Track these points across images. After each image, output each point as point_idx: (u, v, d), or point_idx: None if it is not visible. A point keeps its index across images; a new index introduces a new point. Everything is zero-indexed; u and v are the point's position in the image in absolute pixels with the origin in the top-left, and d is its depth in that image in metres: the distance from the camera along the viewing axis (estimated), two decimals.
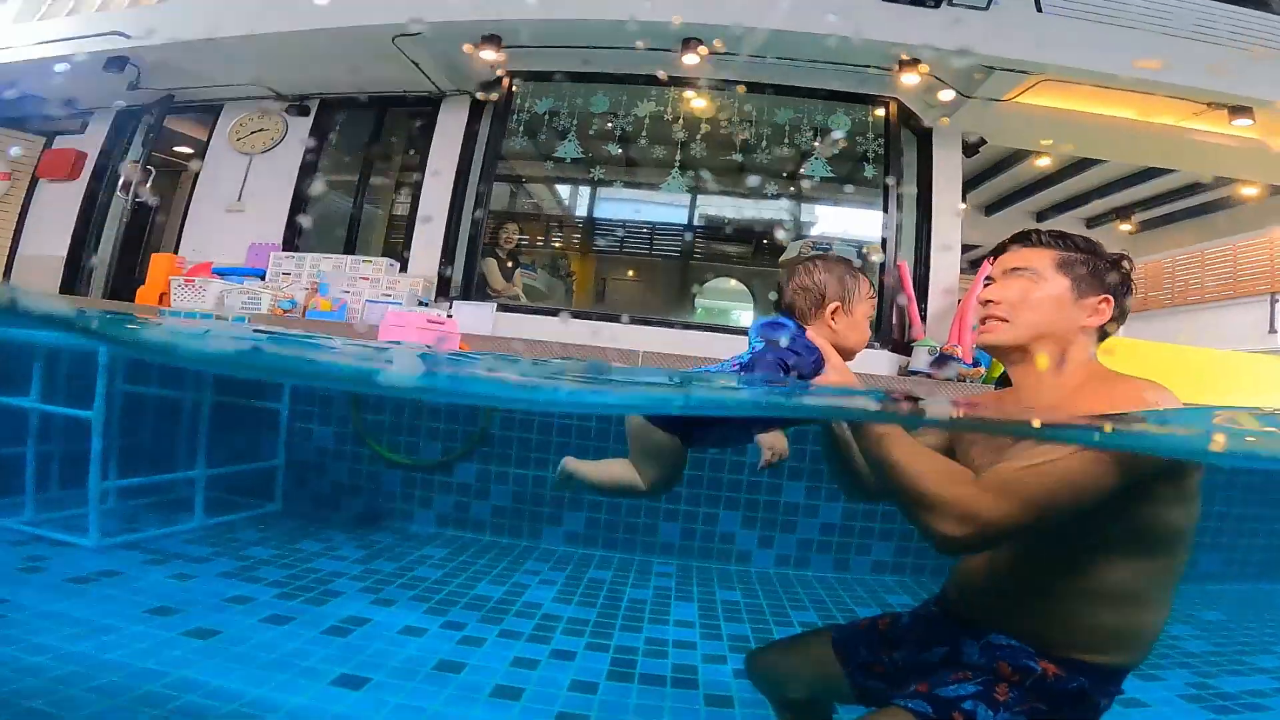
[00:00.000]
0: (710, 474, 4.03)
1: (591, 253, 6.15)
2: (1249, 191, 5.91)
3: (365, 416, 4.07)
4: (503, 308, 4.45)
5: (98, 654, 2.19)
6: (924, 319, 4.53)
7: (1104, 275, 1.27)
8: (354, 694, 2.17)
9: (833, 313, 1.32)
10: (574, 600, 3.27)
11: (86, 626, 2.38)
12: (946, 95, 4.39)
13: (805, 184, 4.72)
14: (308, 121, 5.10)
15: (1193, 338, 6.70)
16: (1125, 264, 1.30)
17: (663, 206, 5.76)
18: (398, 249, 4.87)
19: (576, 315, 5.09)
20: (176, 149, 5.61)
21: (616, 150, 4.85)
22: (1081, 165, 6.01)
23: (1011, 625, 1.24)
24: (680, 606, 3.33)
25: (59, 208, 5.13)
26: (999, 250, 1.37)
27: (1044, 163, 6.01)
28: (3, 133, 5.26)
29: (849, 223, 5.12)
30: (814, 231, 5.13)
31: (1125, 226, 7.30)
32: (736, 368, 1.29)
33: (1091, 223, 7.54)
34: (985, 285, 1.35)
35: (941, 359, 4.18)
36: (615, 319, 4.81)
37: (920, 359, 4.20)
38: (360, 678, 2.27)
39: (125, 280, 4.99)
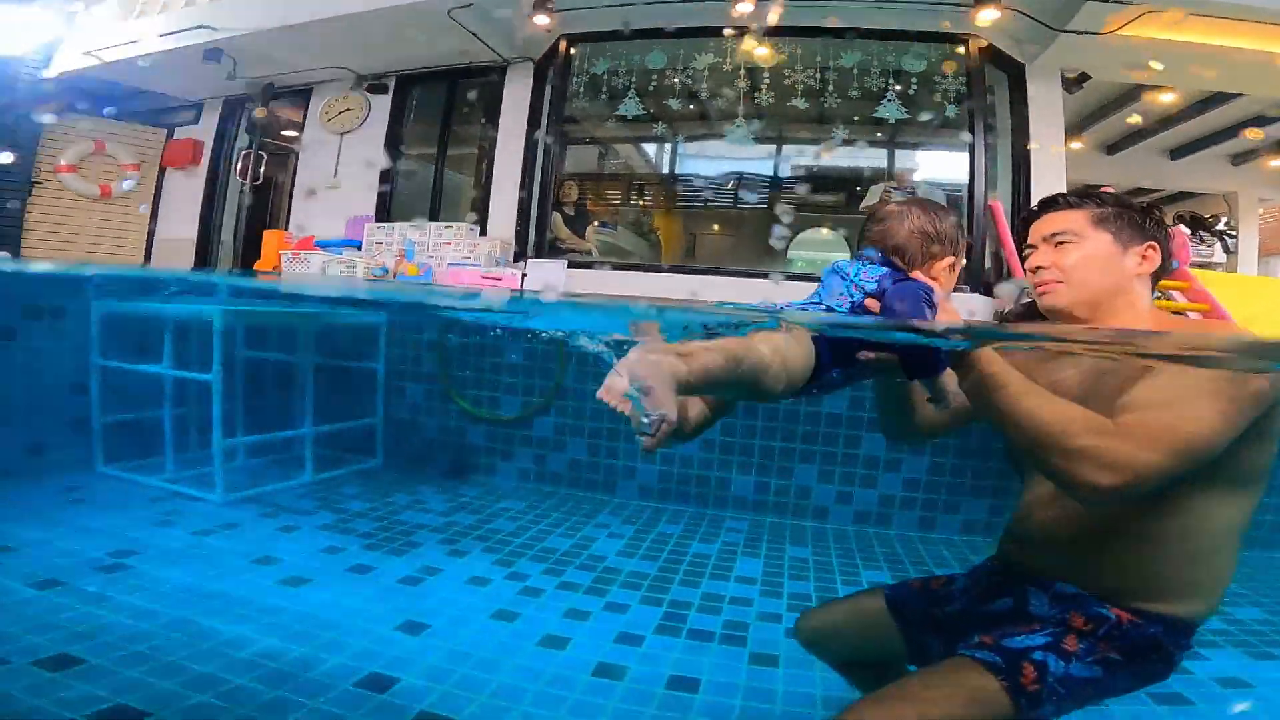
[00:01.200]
0: (785, 425, 3.96)
1: (677, 209, 6.10)
2: None
3: (451, 373, 4.30)
4: (574, 264, 4.52)
5: (203, 600, 2.51)
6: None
7: (1141, 224, 1.26)
8: (411, 639, 2.36)
9: (949, 266, 1.23)
10: (638, 554, 3.37)
11: (200, 575, 2.72)
12: (1025, 28, 3.92)
13: (884, 128, 4.42)
14: (387, 99, 5.34)
15: None
16: (1155, 212, 1.29)
17: (746, 161, 5.66)
18: (481, 214, 5.04)
19: (660, 270, 5.08)
20: (284, 133, 6.04)
21: (677, 105, 4.74)
22: (1218, 98, 5.18)
23: (1081, 575, 1.23)
24: (745, 562, 3.35)
25: (185, 193, 5.69)
26: (1028, 219, 1.35)
27: (1168, 98, 5.24)
28: (127, 126, 5.86)
29: (934, 165, 4.74)
30: (896, 175, 4.78)
31: (1276, 162, 6.28)
32: (845, 304, 1.17)
33: (1237, 159, 6.56)
34: (1026, 254, 1.33)
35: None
36: (701, 273, 4.76)
37: (1009, 297, 3.86)
38: (420, 624, 2.47)
39: (250, 257, 5.50)
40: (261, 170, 5.86)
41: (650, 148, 6.13)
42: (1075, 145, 6.16)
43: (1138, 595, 1.18)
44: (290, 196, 5.41)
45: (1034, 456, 1.10)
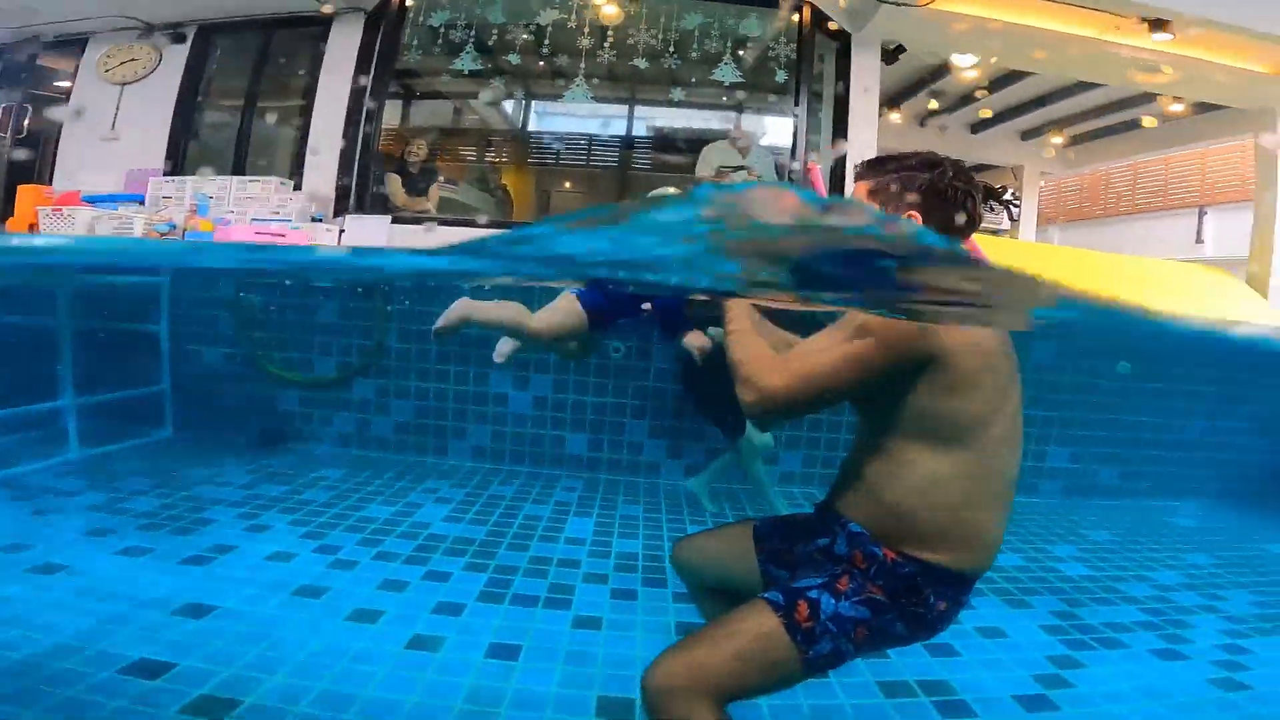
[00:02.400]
0: (616, 381, 3.94)
1: (528, 166, 5.88)
2: (1176, 108, 5.75)
3: (255, 335, 3.88)
4: (400, 220, 4.22)
5: None
6: None
7: (910, 187, 1.30)
8: (193, 622, 2.11)
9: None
10: (466, 519, 3.24)
11: None
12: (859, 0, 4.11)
13: (724, 91, 4.49)
14: (185, 48, 4.72)
15: (1124, 246, 6.67)
16: (933, 171, 1.30)
17: (600, 119, 5.63)
18: (297, 168, 4.60)
19: (496, 225, 4.86)
20: (57, 84, 5.19)
21: (517, 61, 4.53)
22: (1014, 77, 5.76)
23: (863, 516, 1.31)
24: (576, 523, 3.31)
25: None
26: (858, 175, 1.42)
27: (971, 74, 5.74)
28: None
29: (766, 129, 4.89)
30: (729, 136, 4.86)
31: (1057, 139, 7.14)
32: None
33: (1026, 135, 7.36)
34: None
35: None
36: None
37: None
38: (207, 606, 2.21)
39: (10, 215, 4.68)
40: (26, 123, 5.03)
41: (507, 105, 5.90)
42: (894, 117, 6.59)
43: (902, 539, 1.26)
44: (55, 150, 4.63)
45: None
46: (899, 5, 4.08)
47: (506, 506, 3.45)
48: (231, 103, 4.90)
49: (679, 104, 4.90)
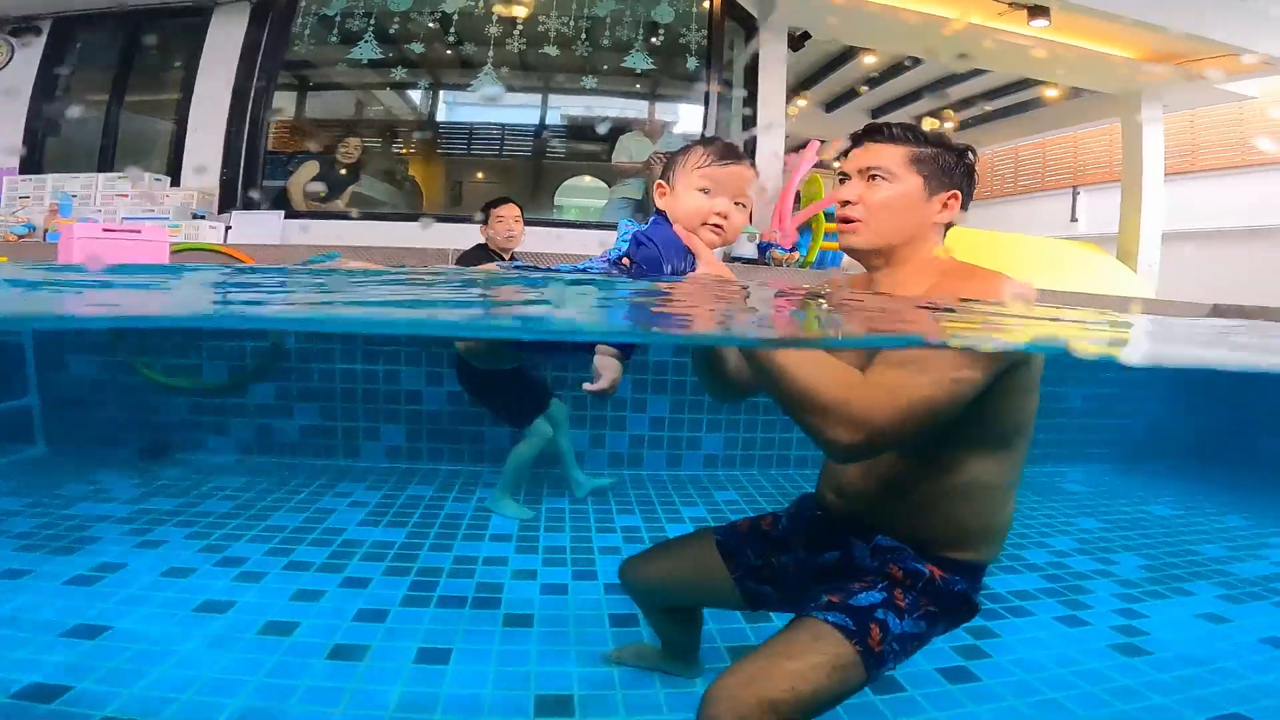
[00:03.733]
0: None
1: (438, 157, 5.68)
2: (1051, 93, 6.19)
3: (129, 340, 3.57)
4: (295, 214, 3.98)
5: None
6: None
7: (952, 170, 1.24)
8: (86, 643, 1.92)
9: (658, 192, 1.21)
10: (384, 522, 3.09)
11: None
12: None
13: (638, 79, 4.47)
14: (41, 41, 4.30)
15: (1007, 226, 7.15)
16: (970, 155, 1.27)
17: (513, 108, 5.52)
18: (175, 164, 4.26)
19: (404, 217, 4.67)
20: None
21: (421, 50, 4.36)
22: (912, 63, 6.04)
23: (892, 526, 1.25)
24: (500, 519, 3.22)
25: None
26: (854, 142, 1.30)
27: (871, 60, 6.00)
28: None
29: (678, 116, 4.92)
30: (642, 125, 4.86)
31: (948, 124, 7.55)
32: (606, 263, 1.19)
33: (920, 119, 7.73)
34: (840, 182, 1.29)
35: (761, 246, 4.14)
36: (464, 221, 4.41)
37: (742, 244, 4.14)
38: (100, 626, 2.02)
39: None
40: None
41: (415, 94, 5.67)
42: (800, 102, 6.79)
43: (942, 546, 1.23)
44: None
45: (788, 411, 1.07)
46: None
47: (426, 506, 3.33)
48: (97, 98, 4.51)
49: (591, 92, 4.85)
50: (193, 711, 1.66)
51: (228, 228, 3.84)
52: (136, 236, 3.05)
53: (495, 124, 5.52)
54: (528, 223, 4.32)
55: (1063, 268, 5.28)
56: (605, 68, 4.63)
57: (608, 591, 2.55)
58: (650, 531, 3.20)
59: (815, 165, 4.55)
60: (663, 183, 1.22)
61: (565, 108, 5.55)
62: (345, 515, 3.14)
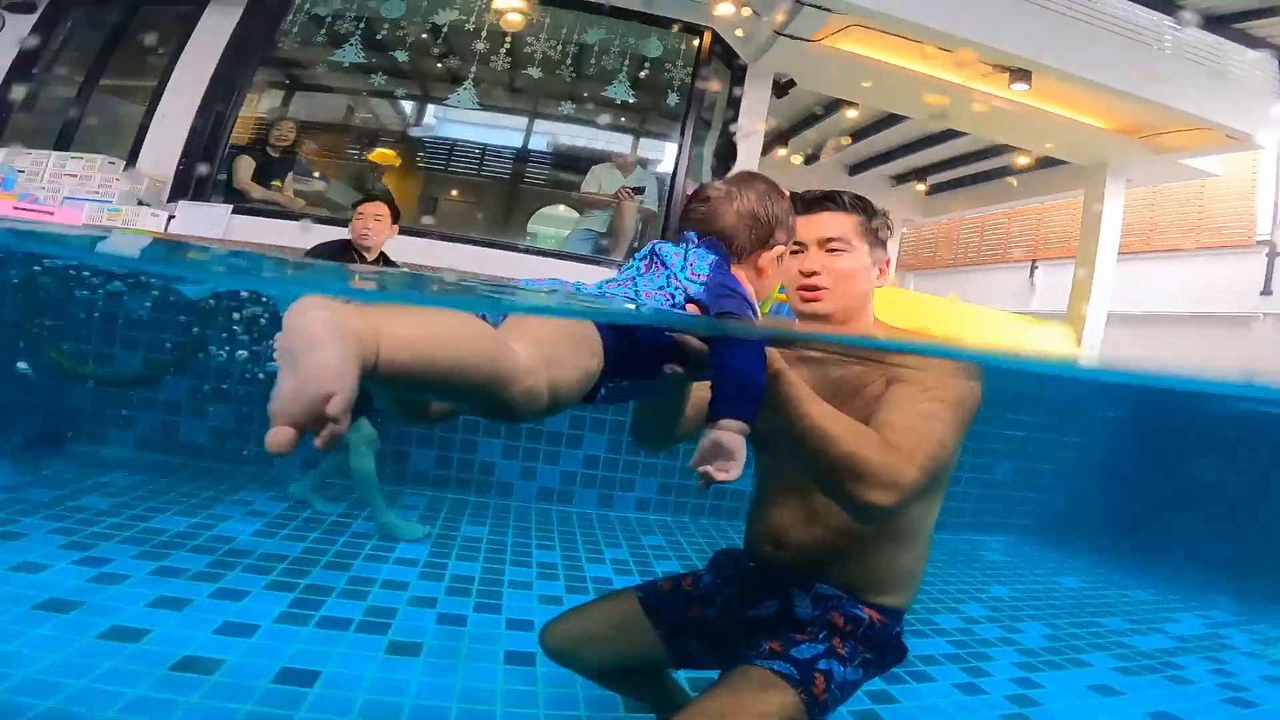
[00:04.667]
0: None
1: (416, 170, 5.57)
2: (1022, 160, 6.32)
3: (42, 321, 3.34)
4: (243, 210, 3.82)
5: None
6: None
7: (882, 237, 1.31)
8: None
9: (778, 256, 1.05)
10: (279, 535, 2.87)
11: None
12: (754, 25, 4.23)
13: (618, 110, 4.46)
14: (31, 19, 4.18)
15: (967, 294, 7.22)
16: (888, 225, 1.34)
17: (495, 129, 5.45)
18: (135, 147, 4.10)
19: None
20: None
21: (405, 59, 4.31)
22: (890, 120, 6.14)
23: (837, 576, 1.25)
24: (407, 545, 3.01)
25: None
26: (807, 208, 1.28)
27: (854, 114, 6.08)
28: None
29: (653, 150, 4.89)
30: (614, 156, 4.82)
31: (920, 187, 7.66)
32: (667, 302, 0.93)
33: (896, 180, 7.84)
34: (794, 250, 1.24)
35: None
36: (437, 237, 4.26)
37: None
38: None
39: None
40: None
41: (402, 105, 5.58)
42: (782, 152, 6.83)
43: (880, 591, 1.24)
44: None
45: (818, 471, 1.05)
46: (793, 39, 4.21)
47: (331, 524, 3.10)
48: (73, 76, 4.37)
49: (571, 119, 4.81)
50: None
51: (170, 217, 3.66)
52: (48, 217, 2.89)
53: (476, 143, 5.43)
54: (497, 246, 4.24)
55: (1012, 340, 5.32)
56: (585, 95, 4.60)
57: (510, 628, 2.37)
58: (567, 568, 3.03)
59: None
60: (786, 248, 1.08)
61: (547, 133, 5.49)
62: (239, 524, 2.91)
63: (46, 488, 2.92)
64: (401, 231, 4.22)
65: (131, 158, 4.12)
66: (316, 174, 5.03)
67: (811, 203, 1.29)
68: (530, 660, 2.13)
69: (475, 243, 4.29)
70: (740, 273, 1.02)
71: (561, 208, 6.06)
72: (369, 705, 1.77)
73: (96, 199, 3.70)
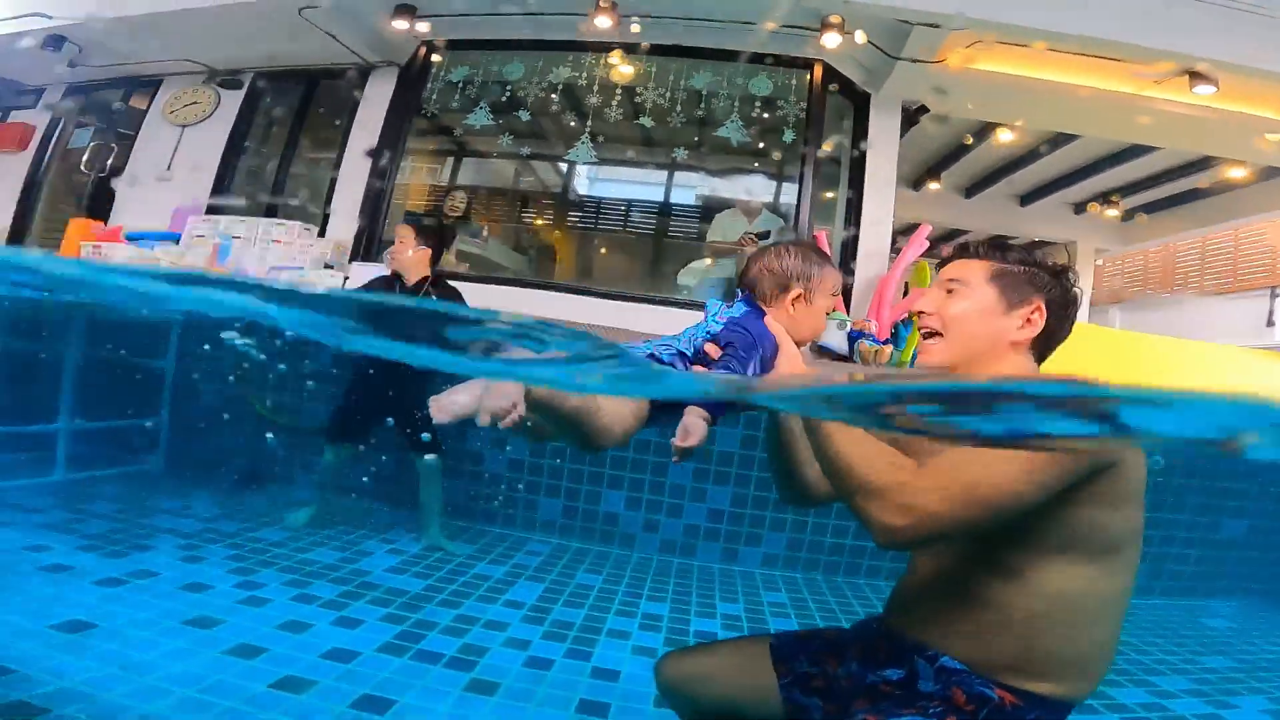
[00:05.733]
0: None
1: (571, 230, 5.95)
2: (1237, 173, 5.30)
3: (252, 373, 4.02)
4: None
5: None
6: (848, 295, 4.20)
7: (1038, 284, 1.22)
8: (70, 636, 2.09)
9: (794, 300, 1.24)
10: (409, 572, 3.14)
11: None
12: (869, 55, 4.06)
13: (742, 156, 4.47)
14: (240, 94, 5.14)
15: (1189, 330, 6.08)
16: (1069, 277, 1.25)
17: (640, 185, 5.68)
18: (322, 215, 4.86)
19: (529, 284, 4.83)
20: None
21: (525, 117, 4.68)
22: (1060, 141, 5.48)
23: (963, 649, 1.14)
24: (520, 588, 3.15)
25: (8, 178, 5.31)
26: (944, 264, 1.33)
27: (1007, 137, 5.50)
28: None
29: (769, 192, 4.77)
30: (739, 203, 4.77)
31: (1112, 213, 6.68)
32: (686, 344, 1.19)
33: (1079, 207, 6.91)
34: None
35: (853, 335, 3.85)
36: (592, 294, 4.52)
37: (831, 334, 3.86)
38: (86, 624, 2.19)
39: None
40: (109, 162, 5.51)
41: (555, 166, 6.02)
42: (934, 186, 6.32)
43: (1021, 672, 1.10)
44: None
45: (842, 497, 1.09)
46: (914, 63, 3.98)
47: (459, 564, 3.33)
48: (274, 148, 5.25)
49: (707, 169, 4.87)
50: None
51: (345, 278, 4.26)
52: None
53: (620, 199, 5.64)
54: (648, 301, 4.35)
55: (1246, 380, 4.44)
56: (696, 139, 4.65)
57: (592, 675, 2.39)
58: (673, 620, 2.98)
59: (924, 253, 4.26)
60: (803, 293, 1.25)
61: (687, 185, 5.55)
62: (377, 559, 3.23)
63: (235, 521, 3.46)
64: (563, 290, 4.52)
65: (323, 222, 4.83)
66: (485, 235, 5.50)
67: (944, 262, 1.32)
68: (603, 711, 2.15)
69: (626, 299, 4.44)
70: (776, 315, 1.22)
71: (710, 260, 6.12)
72: None
73: (293, 266, 4.38)
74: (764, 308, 1.24)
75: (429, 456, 3.38)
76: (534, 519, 3.87)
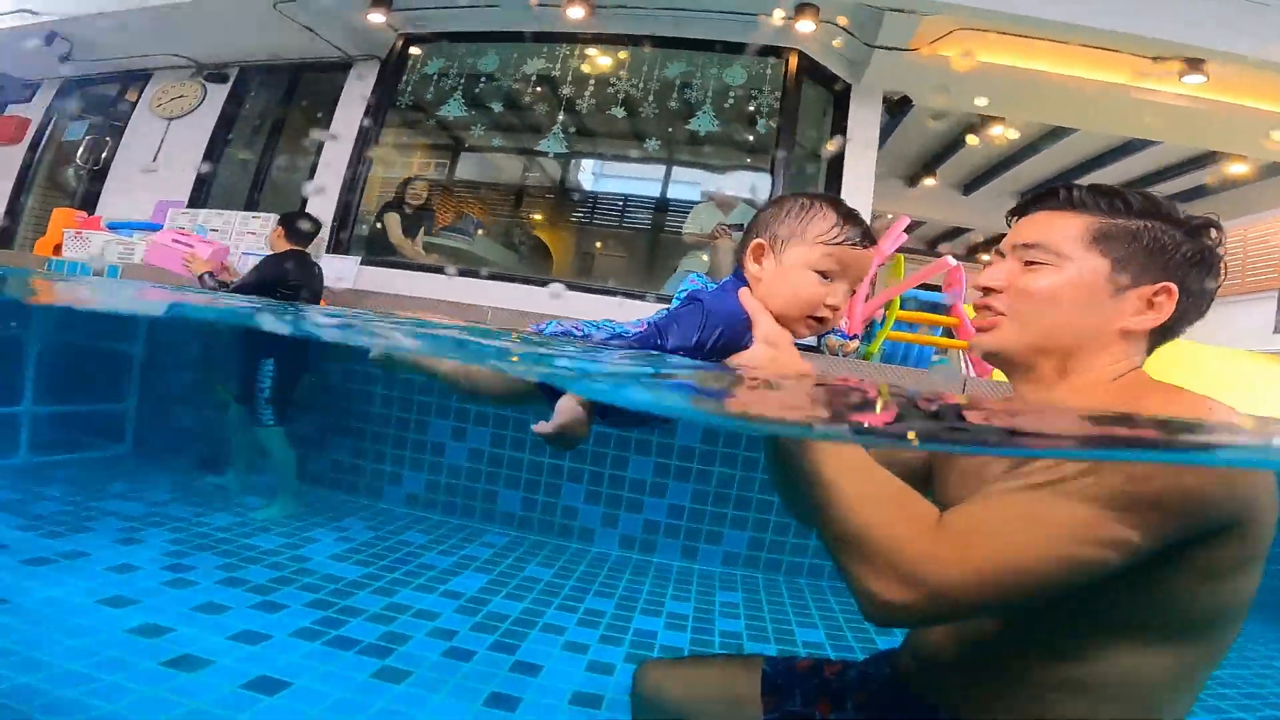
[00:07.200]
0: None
1: (568, 224, 5.92)
2: (1238, 169, 5.08)
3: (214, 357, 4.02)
4: (370, 262, 4.35)
5: None
6: None
7: (1170, 250, 0.86)
8: None
9: (754, 253, 0.92)
10: (350, 560, 3.10)
11: None
12: (848, 45, 3.96)
13: (701, 145, 4.40)
14: (225, 88, 5.23)
15: (1193, 333, 5.81)
16: (1211, 234, 0.88)
17: (638, 180, 5.63)
18: (298, 208, 4.89)
19: (520, 280, 4.80)
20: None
21: (498, 108, 4.66)
22: (1056, 135, 5.30)
23: (984, 708, 0.89)
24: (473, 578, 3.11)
25: (1, 170, 5.48)
26: (1018, 213, 0.97)
27: (999, 131, 5.33)
28: None
29: (744, 186, 4.68)
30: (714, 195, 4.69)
31: None
32: (645, 328, 0.93)
33: None
34: (990, 262, 0.97)
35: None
36: (588, 290, 4.48)
37: None
38: None
39: None
40: (104, 155, 5.62)
41: (534, 160, 6.00)
42: (929, 182, 6.17)
43: None
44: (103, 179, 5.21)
45: (826, 545, 0.79)
46: (889, 51, 3.87)
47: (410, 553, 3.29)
48: (256, 140, 5.32)
49: (635, 158, 4.79)
50: None
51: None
52: (189, 249, 3.57)
53: (617, 194, 5.59)
54: (640, 298, 4.30)
55: (1267, 388, 4.24)
56: (671, 131, 4.58)
57: (513, 669, 2.33)
58: (614, 619, 2.90)
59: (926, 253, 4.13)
60: (764, 242, 0.92)
61: (683, 180, 5.44)
62: (323, 547, 3.20)
63: (188, 505, 3.46)
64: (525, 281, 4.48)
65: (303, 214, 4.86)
66: (480, 231, 5.49)
67: (1025, 204, 0.96)
68: (512, 705, 2.09)
69: (623, 294, 4.40)
70: (752, 287, 0.92)
71: (704, 256, 6.04)
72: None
73: (262, 253, 4.40)
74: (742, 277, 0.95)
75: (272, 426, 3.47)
76: (493, 510, 3.82)
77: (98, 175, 5.46)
